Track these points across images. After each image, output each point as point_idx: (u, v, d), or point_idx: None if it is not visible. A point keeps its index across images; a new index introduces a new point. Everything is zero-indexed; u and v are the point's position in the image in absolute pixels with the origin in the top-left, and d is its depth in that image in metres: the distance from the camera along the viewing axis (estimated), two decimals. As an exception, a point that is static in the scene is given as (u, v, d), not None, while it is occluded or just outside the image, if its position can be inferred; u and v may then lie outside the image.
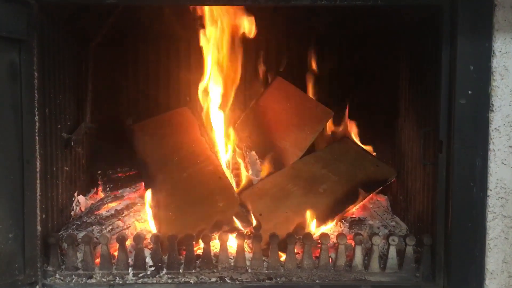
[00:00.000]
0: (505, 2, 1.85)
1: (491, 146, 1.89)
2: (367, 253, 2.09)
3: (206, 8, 2.51)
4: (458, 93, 1.88)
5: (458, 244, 1.93)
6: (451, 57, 1.92)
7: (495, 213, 1.91)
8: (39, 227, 1.98)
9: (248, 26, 2.61)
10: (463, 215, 1.91)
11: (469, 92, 1.87)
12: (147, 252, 2.10)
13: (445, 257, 1.98)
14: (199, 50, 2.66)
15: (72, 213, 2.44)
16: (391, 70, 2.67)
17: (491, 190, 1.90)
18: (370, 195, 2.55)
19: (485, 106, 1.88)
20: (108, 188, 2.66)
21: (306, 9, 2.51)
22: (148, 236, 2.15)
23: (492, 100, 1.88)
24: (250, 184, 2.44)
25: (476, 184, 1.90)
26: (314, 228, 2.26)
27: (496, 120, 1.88)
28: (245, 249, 2.10)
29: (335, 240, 2.09)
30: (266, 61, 2.92)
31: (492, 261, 1.93)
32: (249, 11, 2.55)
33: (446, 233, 1.96)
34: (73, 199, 2.47)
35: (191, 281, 2.03)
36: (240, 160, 2.56)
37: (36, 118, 1.95)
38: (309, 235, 2.10)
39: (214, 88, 2.64)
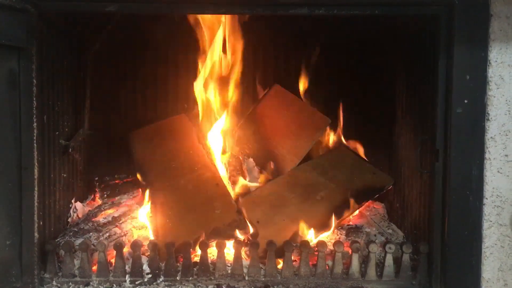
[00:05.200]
0: (501, 13, 1.87)
1: (487, 155, 1.90)
2: (364, 261, 2.10)
3: (204, 17, 2.52)
4: (454, 102, 1.90)
5: (455, 252, 1.93)
6: (447, 66, 1.93)
7: (491, 221, 1.92)
8: (36, 234, 1.97)
9: (245, 32, 2.63)
10: (460, 223, 1.92)
11: (465, 101, 1.89)
12: (144, 259, 2.10)
13: (442, 265, 1.99)
14: (197, 57, 2.68)
15: (70, 219, 2.44)
16: (388, 78, 2.69)
17: (487, 198, 1.91)
18: (367, 203, 2.56)
19: (481, 115, 1.89)
20: (105, 195, 2.66)
21: (303, 17, 2.54)
22: (146, 243, 2.14)
23: (488, 109, 1.89)
24: (247, 191, 2.44)
25: (472, 193, 1.91)
26: (311, 235, 2.26)
27: (492, 129, 1.89)
28: (243, 257, 2.10)
29: (332, 248, 2.10)
30: (263, 68, 2.93)
31: (488, 269, 1.94)
32: (247, 17, 2.56)
33: (443, 241, 1.97)
34: (70, 205, 2.47)
35: (188, 289, 2.03)
36: (237, 167, 2.56)
37: (35, 125, 1.95)
38: (306, 243, 2.11)
39: (211, 95, 2.65)
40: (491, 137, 1.90)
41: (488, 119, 1.89)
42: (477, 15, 1.87)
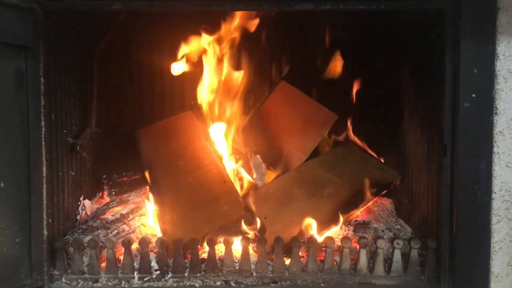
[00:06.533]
0: (508, 6, 1.85)
1: (495, 149, 1.89)
2: (372, 257, 2.10)
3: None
4: (462, 97, 1.88)
5: (463, 247, 1.93)
6: (454, 60, 1.92)
7: (499, 216, 1.91)
8: (45, 232, 1.99)
9: (252, 30, 2.62)
10: (468, 218, 1.91)
11: (473, 95, 1.88)
12: (152, 256, 2.10)
13: (450, 261, 1.98)
14: (203, 54, 2.68)
15: (78, 217, 2.45)
16: (395, 74, 2.67)
17: (495, 193, 1.90)
18: (375, 199, 2.55)
19: (489, 109, 1.88)
20: (113, 192, 2.68)
21: (309, 13, 2.52)
22: (154, 240, 2.16)
23: (496, 103, 1.88)
24: (254, 187, 2.44)
25: (480, 187, 1.90)
26: (318, 231, 2.26)
27: (500, 123, 1.88)
28: (250, 253, 2.10)
29: (339, 244, 2.09)
30: (269, 65, 2.93)
31: (497, 264, 1.93)
32: (253, 15, 2.56)
33: (451, 236, 1.96)
34: (79, 203, 2.48)
35: (196, 285, 2.03)
36: (244, 164, 2.56)
37: (43, 123, 1.97)
38: (313, 239, 2.11)
39: (218, 92, 2.65)
40: (500, 131, 1.88)
41: (496, 113, 1.88)
42: (483, 9, 1.85)
